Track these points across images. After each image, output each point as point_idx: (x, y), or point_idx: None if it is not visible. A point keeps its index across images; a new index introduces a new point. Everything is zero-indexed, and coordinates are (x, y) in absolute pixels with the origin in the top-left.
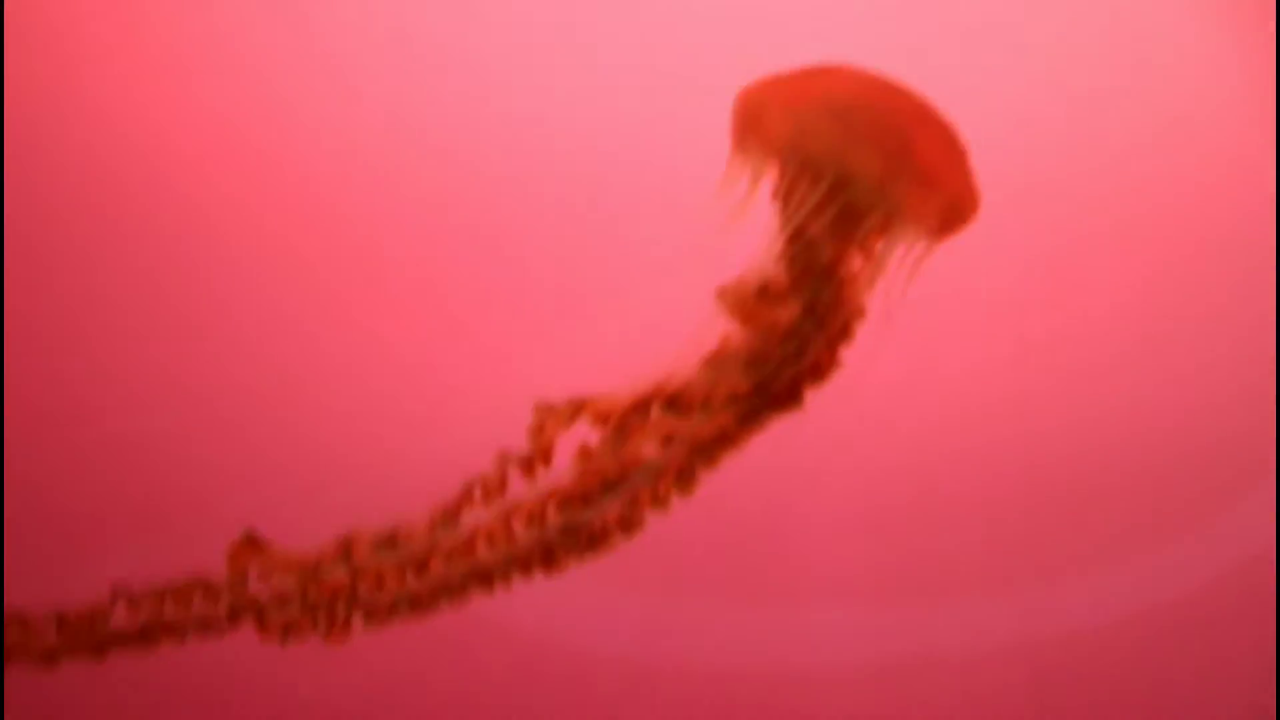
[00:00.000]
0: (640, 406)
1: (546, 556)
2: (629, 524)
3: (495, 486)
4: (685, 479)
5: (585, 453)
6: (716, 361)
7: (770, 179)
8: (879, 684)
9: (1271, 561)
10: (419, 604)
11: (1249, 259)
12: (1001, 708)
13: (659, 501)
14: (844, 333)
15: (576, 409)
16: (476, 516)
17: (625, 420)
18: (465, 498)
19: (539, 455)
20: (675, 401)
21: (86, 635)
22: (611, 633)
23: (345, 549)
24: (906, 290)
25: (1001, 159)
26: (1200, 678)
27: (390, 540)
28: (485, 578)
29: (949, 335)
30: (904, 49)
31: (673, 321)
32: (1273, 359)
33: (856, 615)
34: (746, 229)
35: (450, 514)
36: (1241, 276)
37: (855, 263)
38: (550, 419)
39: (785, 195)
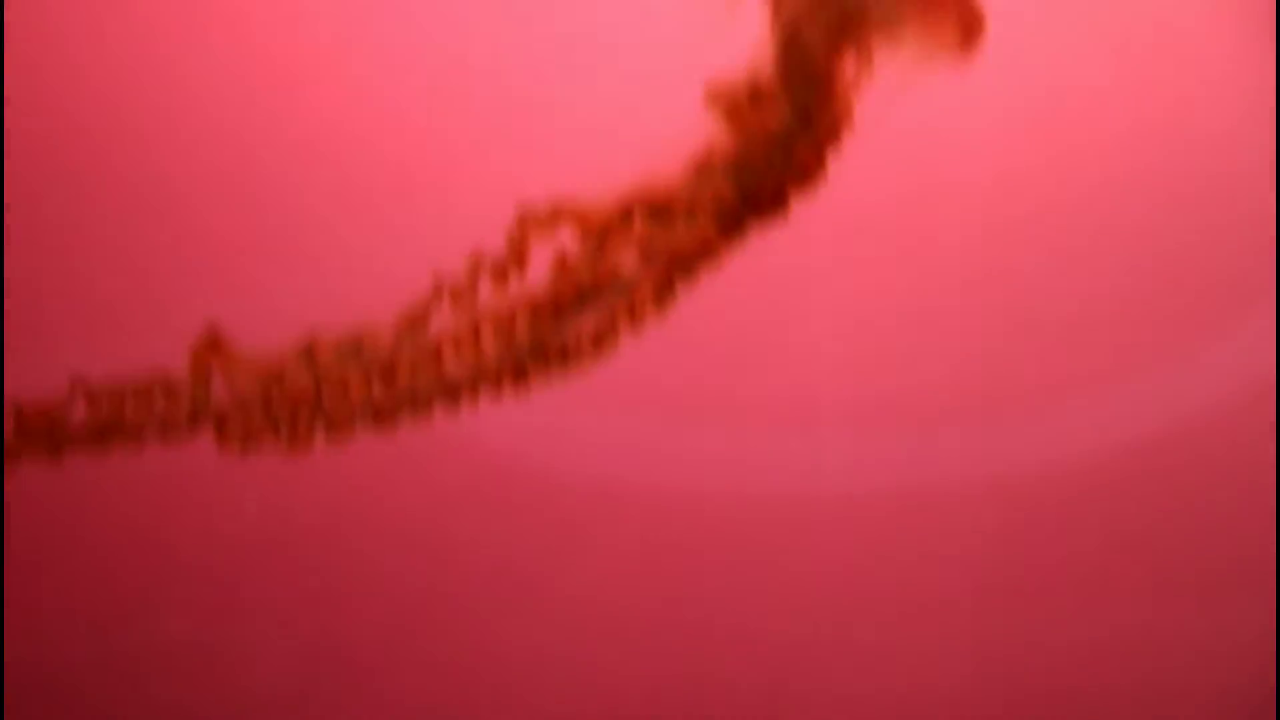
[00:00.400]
0: (623, 212)
1: (516, 371)
2: (601, 340)
3: (465, 292)
4: (663, 294)
5: (562, 261)
6: (702, 166)
7: None
8: (858, 513)
9: (1271, 392)
10: (382, 416)
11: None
12: (991, 540)
13: (635, 317)
14: (832, 137)
15: (557, 213)
16: (445, 323)
17: (606, 227)
18: (434, 301)
19: (514, 260)
20: (659, 208)
21: (44, 431)
22: (580, 454)
23: (308, 353)
24: (899, 101)
25: None
26: (1200, 508)
27: (355, 346)
28: (452, 392)
29: (940, 153)
30: None
31: (658, 123)
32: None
33: (836, 443)
34: (737, 26)
35: (418, 319)
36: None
37: (849, 67)
38: (530, 222)
39: None
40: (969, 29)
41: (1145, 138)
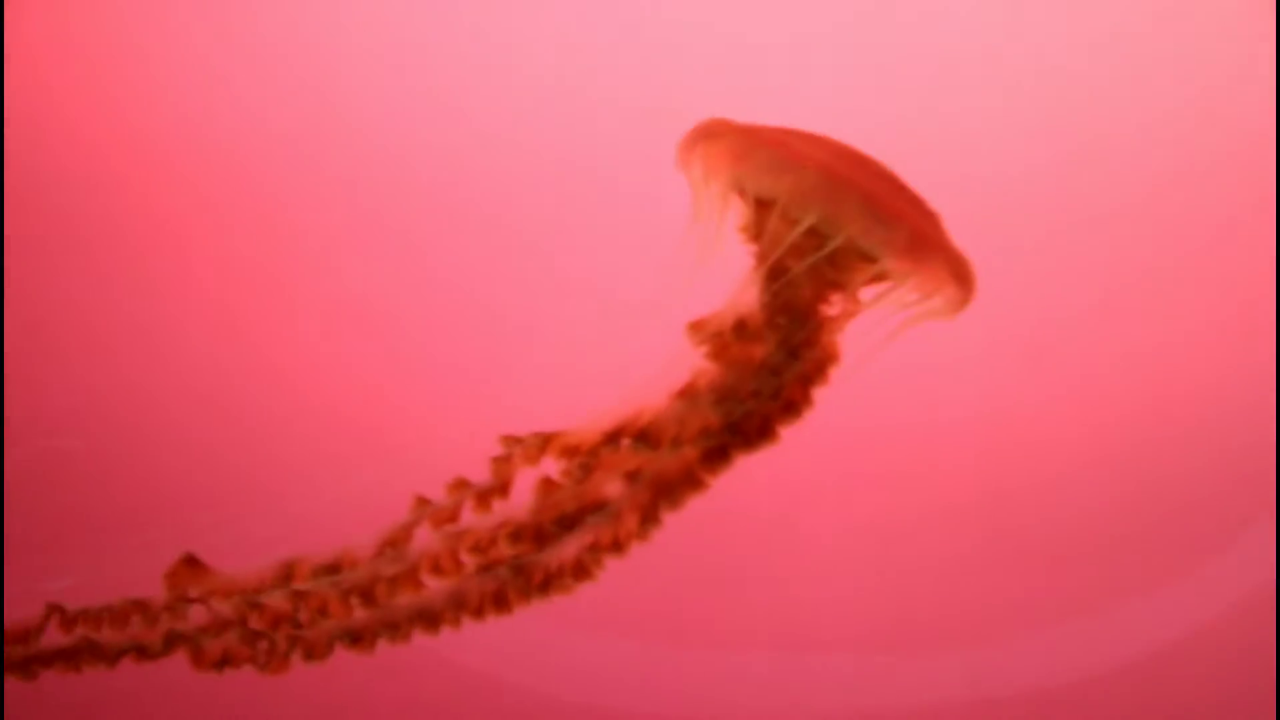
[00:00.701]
0: (609, 441)
1: (497, 596)
2: (581, 570)
3: (447, 515)
4: (648, 522)
5: (547, 487)
6: (688, 396)
7: (743, 215)
8: None
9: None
10: (360, 640)
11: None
12: None
13: (619, 546)
14: (819, 371)
15: (544, 442)
16: (426, 547)
17: (592, 455)
18: (414, 524)
19: (498, 488)
20: (645, 436)
21: (16, 651)
22: (556, 672)
23: (287, 575)
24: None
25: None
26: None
27: (334, 567)
28: (430, 615)
29: (930, 382)
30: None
31: (645, 355)
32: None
33: (824, 667)
34: (724, 262)
35: (398, 541)
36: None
37: (834, 303)
38: (517, 451)
39: (760, 234)
40: (960, 278)
41: (1131, 375)
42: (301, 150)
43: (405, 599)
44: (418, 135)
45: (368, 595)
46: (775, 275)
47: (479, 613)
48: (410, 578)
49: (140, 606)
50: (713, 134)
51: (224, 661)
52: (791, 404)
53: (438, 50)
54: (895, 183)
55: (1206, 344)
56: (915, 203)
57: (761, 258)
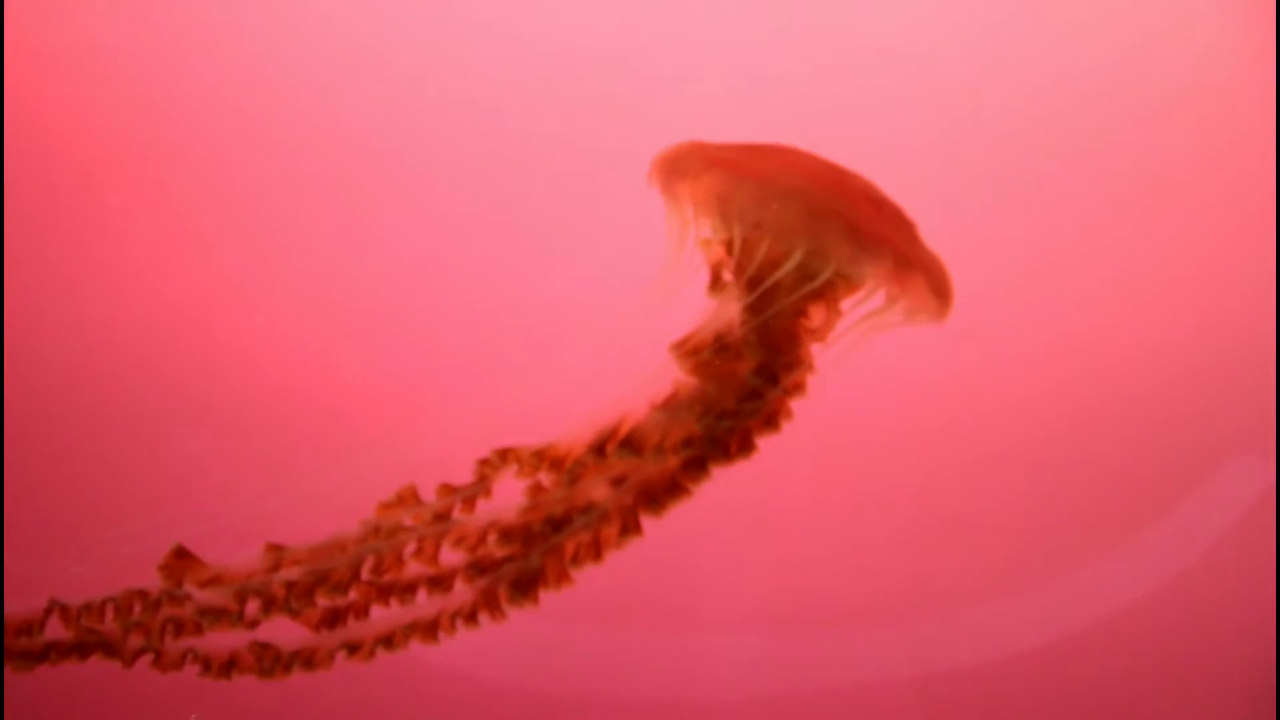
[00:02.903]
0: (594, 451)
1: (488, 598)
2: (562, 576)
3: (434, 514)
4: (629, 528)
5: (535, 491)
6: (670, 407)
7: (721, 239)
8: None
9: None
10: (358, 650)
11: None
12: None
13: (599, 550)
14: (798, 388)
15: (533, 455)
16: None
17: (579, 462)
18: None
19: (482, 491)
20: (628, 443)
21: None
22: (517, 660)
23: (275, 563)
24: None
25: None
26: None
27: (321, 554)
28: (428, 628)
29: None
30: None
31: (626, 367)
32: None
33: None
34: (701, 279)
35: (388, 531)
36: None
37: (814, 318)
38: (504, 461)
39: (742, 259)
40: (938, 292)
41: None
42: (275, 137)
43: (397, 607)
44: (400, 125)
45: (352, 585)
46: (759, 302)
47: (470, 617)
48: (395, 564)
49: (140, 596)
50: (688, 164)
51: (230, 666)
52: (771, 417)
53: (430, 39)
54: (874, 198)
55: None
56: (894, 217)
57: (745, 285)
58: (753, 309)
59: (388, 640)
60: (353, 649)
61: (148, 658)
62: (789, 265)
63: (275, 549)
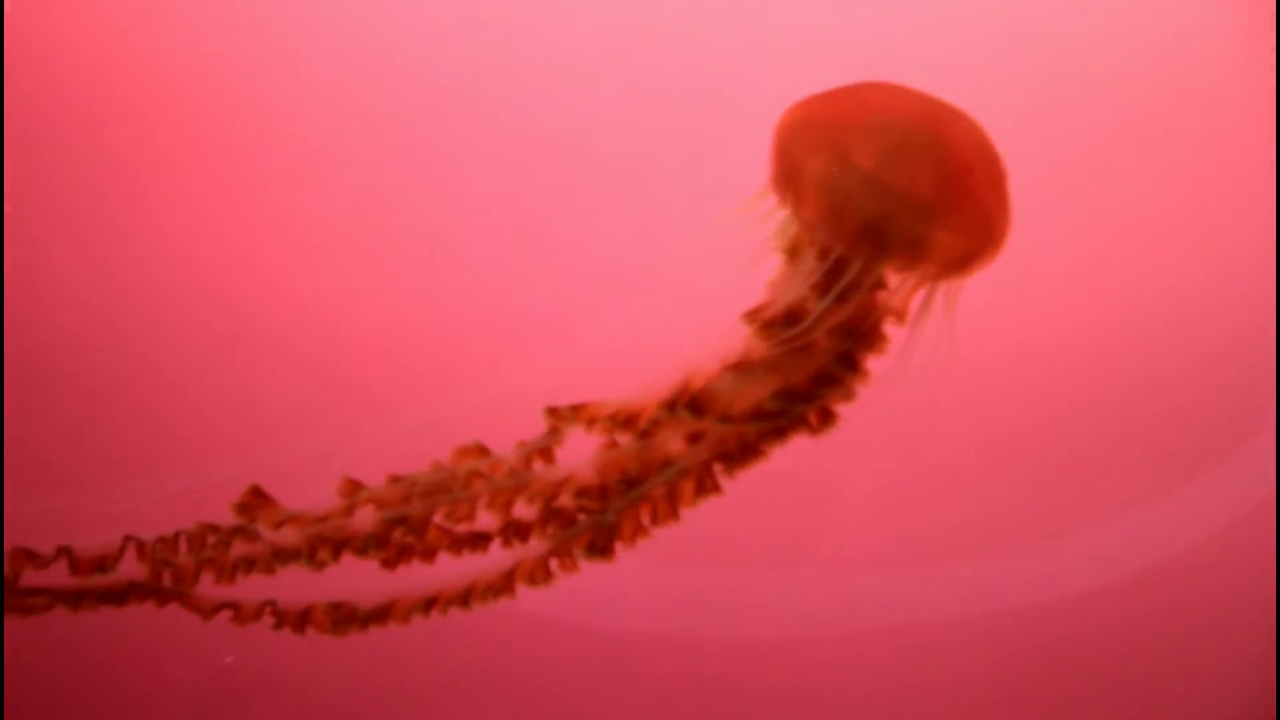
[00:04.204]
0: (668, 409)
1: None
2: (636, 532)
3: (506, 468)
4: (704, 486)
5: (609, 448)
6: (741, 369)
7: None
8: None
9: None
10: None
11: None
12: (1017, 672)
13: (672, 508)
14: (870, 351)
15: (612, 417)
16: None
17: (653, 420)
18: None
19: (554, 443)
20: (697, 404)
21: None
22: (614, 604)
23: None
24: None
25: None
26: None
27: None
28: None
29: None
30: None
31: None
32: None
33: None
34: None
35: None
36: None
37: (889, 285)
38: (577, 415)
39: (817, 227)
40: (995, 239)
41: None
42: (324, 79)
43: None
44: (455, 67)
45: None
46: (829, 261)
47: (545, 572)
48: (468, 514)
49: (213, 530)
50: (801, 141)
51: (304, 619)
52: (849, 391)
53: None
54: (973, 158)
55: (1194, 239)
56: (992, 176)
57: (823, 264)
58: (829, 290)
59: (464, 597)
60: (429, 605)
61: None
62: (872, 261)
63: (353, 485)
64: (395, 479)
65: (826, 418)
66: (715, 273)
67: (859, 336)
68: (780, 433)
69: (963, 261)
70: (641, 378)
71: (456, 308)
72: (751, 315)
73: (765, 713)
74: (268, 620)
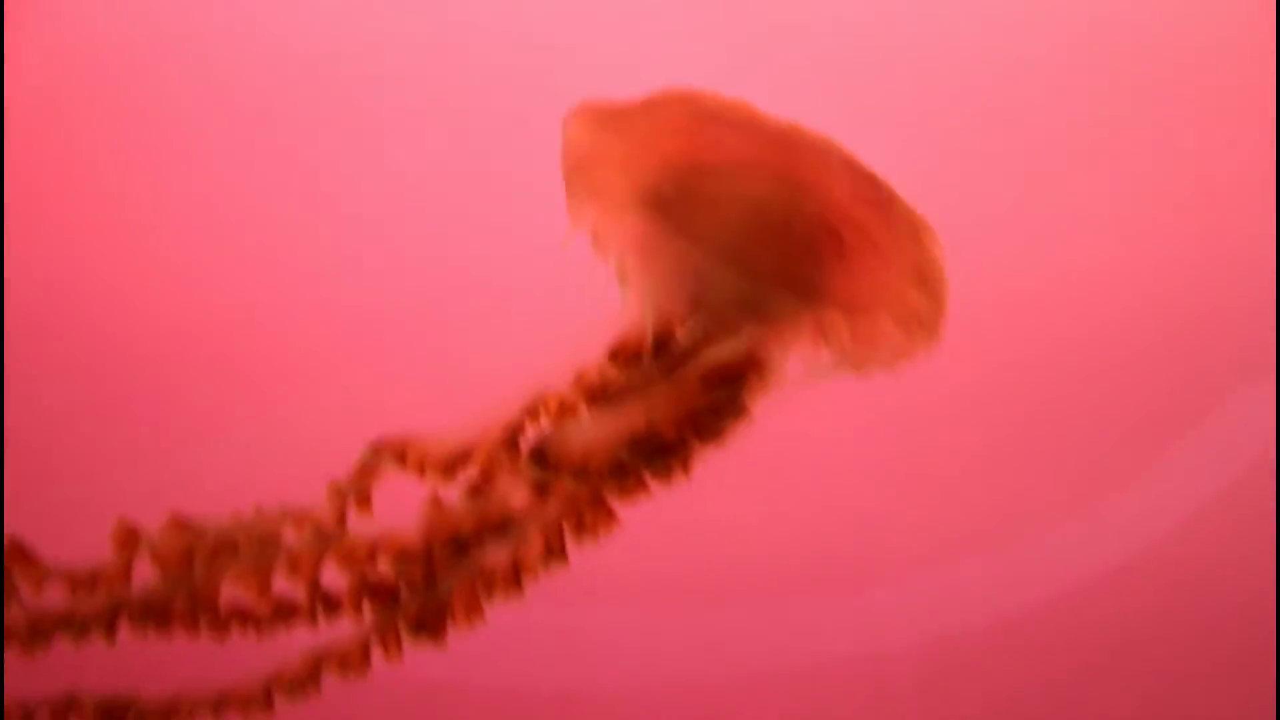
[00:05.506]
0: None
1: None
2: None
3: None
4: (553, 552)
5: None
6: (599, 410)
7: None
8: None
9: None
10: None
11: None
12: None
13: (521, 575)
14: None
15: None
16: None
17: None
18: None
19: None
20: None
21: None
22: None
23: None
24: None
25: None
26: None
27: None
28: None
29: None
30: None
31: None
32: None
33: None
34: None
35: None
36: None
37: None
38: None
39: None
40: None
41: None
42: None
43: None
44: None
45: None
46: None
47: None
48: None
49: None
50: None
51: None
52: (719, 437)
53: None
54: (853, 203)
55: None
56: (875, 215)
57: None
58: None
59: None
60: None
61: None
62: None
63: (129, 533)
64: (179, 525)
65: (687, 467)
66: (578, 294)
67: (737, 377)
68: (640, 485)
69: (866, 321)
70: (487, 404)
71: (294, 315)
72: (615, 353)
73: None
74: None
